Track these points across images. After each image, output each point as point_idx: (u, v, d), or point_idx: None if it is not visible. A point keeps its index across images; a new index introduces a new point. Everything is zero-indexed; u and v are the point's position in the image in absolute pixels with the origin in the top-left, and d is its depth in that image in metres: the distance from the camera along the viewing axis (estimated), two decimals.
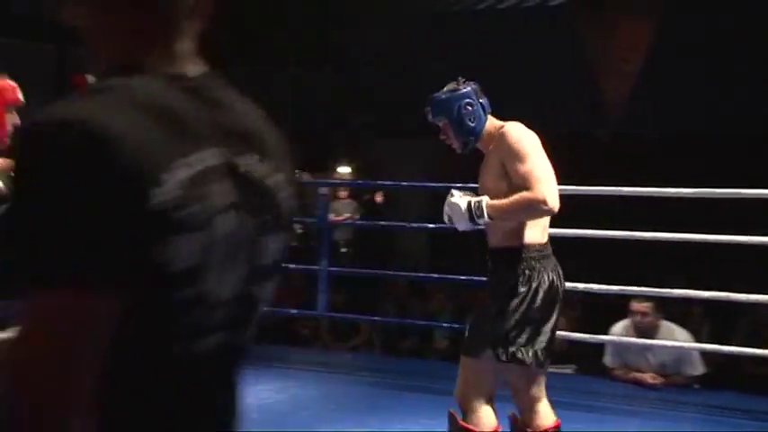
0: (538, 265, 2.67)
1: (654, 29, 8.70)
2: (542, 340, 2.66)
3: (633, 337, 4.60)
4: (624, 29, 8.92)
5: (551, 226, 2.80)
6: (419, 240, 8.95)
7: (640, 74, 8.97)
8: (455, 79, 2.84)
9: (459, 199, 2.71)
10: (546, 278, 2.66)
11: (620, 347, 4.66)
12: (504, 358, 2.62)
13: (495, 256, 2.76)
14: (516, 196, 2.59)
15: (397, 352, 6.03)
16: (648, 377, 4.56)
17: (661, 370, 4.59)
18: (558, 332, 2.81)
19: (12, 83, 2.50)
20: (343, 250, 8.69)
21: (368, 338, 6.19)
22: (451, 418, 2.73)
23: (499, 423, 2.72)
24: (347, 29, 10.83)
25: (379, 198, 9.59)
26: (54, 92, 7.65)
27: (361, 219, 8.31)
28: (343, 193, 9.33)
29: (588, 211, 7.54)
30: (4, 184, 2.42)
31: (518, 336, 2.63)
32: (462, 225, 2.72)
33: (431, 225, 4.69)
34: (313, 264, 5.37)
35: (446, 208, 2.75)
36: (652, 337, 4.58)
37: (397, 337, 6.25)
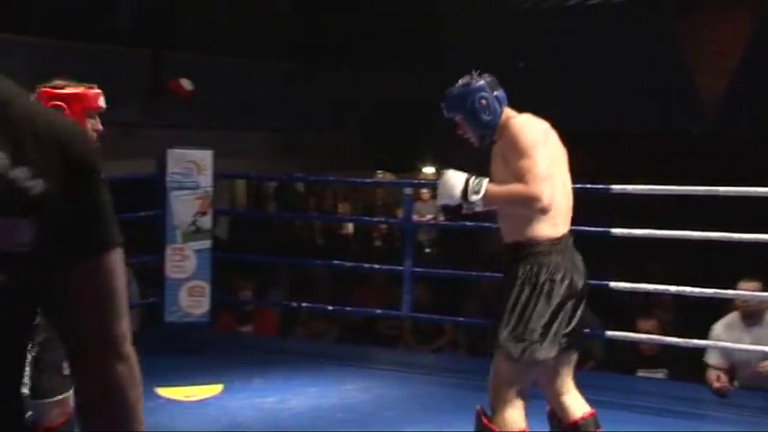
0: (546, 260, 2.63)
1: (751, 23, 8.39)
2: (553, 335, 2.63)
3: (739, 327, 4.37)
4: (721, 23, 8.62)
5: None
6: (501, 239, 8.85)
7: (736, 70, 8.66)
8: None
9: (457, 173, 2.70)
10: (557, 273, 2.64)
11: (723, 347, 4.45)
12: (516, 355, 2.62)
13: (506, 251, 2.76)
14: (512, 186, 2.60)
15: (482, 353, 5.97)
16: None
17: None
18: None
19: (96, 90, 2.56)
20: (428, 250, 8.70)
21: (452, 339, 6.16)
22: (477, 415, 2.71)
23: (529, 424, 2.69)
24: (436, 28, 10.83)
25: None
26: (150, 96, 7.92)
27: (445, 219, 8.29)
28: (426, 195, 9.33)
29: (680, 210, 7.32)
30: None
31: (526, 332, 2.62)
32: (445, 199, 2.72)
33: None
34: (397, 264, 5.39)
35: (440, 185, 2.76)
36: (759, 323, 4.35)
37: (481, 337, 6.21)
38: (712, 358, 4.42)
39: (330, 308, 5.91)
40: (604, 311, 5.39)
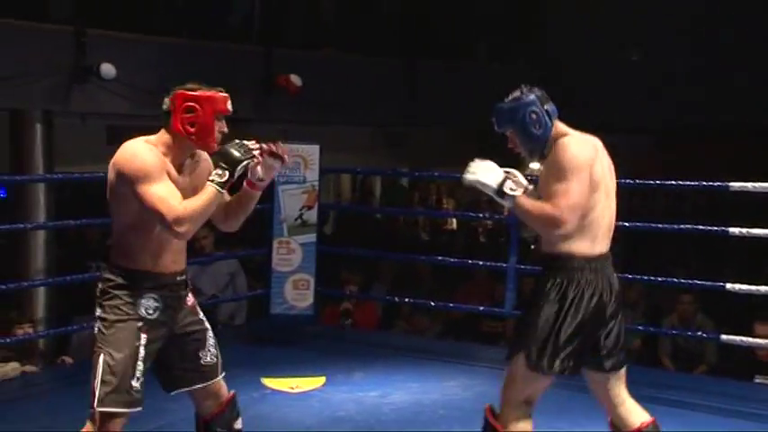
0: (578, 276, 2.65)
1: None
2: (572, 350, 2.66)
3: None
4: None
5: None
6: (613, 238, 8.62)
7: None
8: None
9: (499, 168, 2.71)
10: (586, 291, 2.65)
11: None
12: (534, 363, 2.66)
13: (542, 259, 2.77)
14: (541, 205, 2.63)
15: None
16: None
17: None
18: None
19: (224, 93, 2.64)
20: (533, 247, 8.56)
21: None
22: (486, 412, 2.77)
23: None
24: (541, 23, 10.66)
25: None
26: (262, 91, 8.12)
27: None
28: (531, 190, 9.17)
29: None
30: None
31: (548, 343, 2.65)
32: (481, 176, 2.69)
33: (626, 224, 4.47)
34: (502, 261, 5.32)
35: (475, 165, 2.74)
36: None
37: None
38: None
39: (432, 304, 5.90)
40: (720, 314, 5.16)
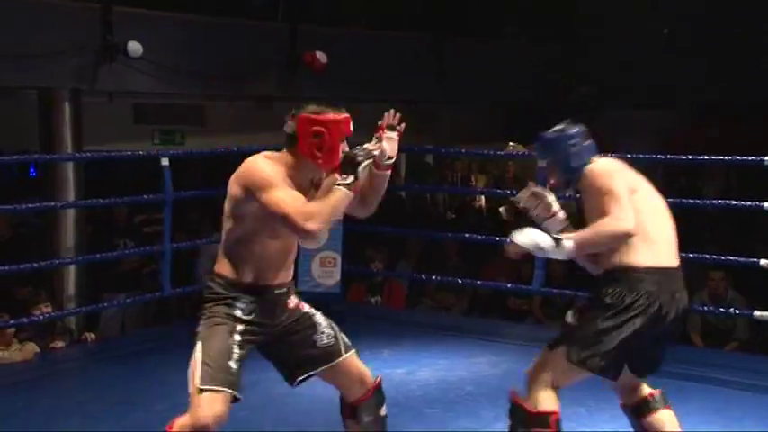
0: (638, 286, 2.68)
1: None
2: (618, 356, 2.70)
3: None
4: None
5: None
6: None
7: None
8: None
9: (535, 232, 2.77)
10: (646, 300, 2.67)
11: None
12: (576, 358, 2.71)
13: (602, 276, 2.80)
14: (594, 225, 2.70)
15: None
16: None
17: None
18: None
19: (346, 114, 2.65)
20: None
21: None
22: (512, 396, 2.83)
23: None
24: (571, 1, 10.51)
25: None
26: (287, 68, 8.09)
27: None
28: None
29: None
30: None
31: (597, 343, 2.68)
32: (533, 240, 2.74)
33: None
34: None
35: (519, 236, 2.78)
36: None
37: None
38: None
39: (459, 281, 5.87)
40: (752, 290, 5.09)
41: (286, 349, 2.73)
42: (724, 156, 4.58)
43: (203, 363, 2.54)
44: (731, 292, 5.30)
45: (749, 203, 4.33)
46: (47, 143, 6.55)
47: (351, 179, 2.58)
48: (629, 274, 2.69)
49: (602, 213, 2.69)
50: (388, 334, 5.05)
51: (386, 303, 6.10)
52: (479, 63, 9.53)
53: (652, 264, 2.70)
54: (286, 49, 7.97)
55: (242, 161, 2.63)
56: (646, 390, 2.89)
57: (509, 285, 5.81)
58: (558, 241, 2.71)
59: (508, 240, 2.81)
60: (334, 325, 2.83)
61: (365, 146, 2.66)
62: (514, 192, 9.33)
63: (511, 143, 11.02)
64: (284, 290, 2.71)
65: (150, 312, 6.46)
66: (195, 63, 7.31)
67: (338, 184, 2.57)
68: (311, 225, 2.49)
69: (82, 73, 6.61)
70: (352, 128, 2.65)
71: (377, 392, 2.82)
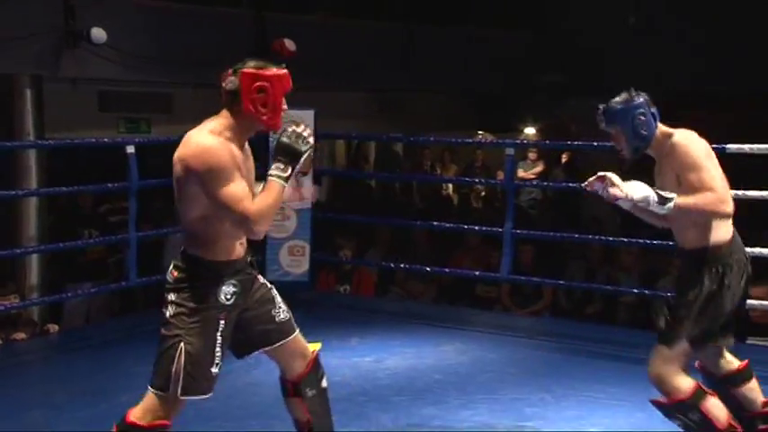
0: (730, 261, 2.87)
1: None
2: (730, 324, 2.90)
3: None
4: None
5: None
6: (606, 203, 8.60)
7: None
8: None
9: (641, 184, 2.84)
10: (737, 271, 2.87)
11: None
12: (694, 344, 2.86)
13: (687, 256, 2.96)
14: (700, 196, 2.78)
15: (585, 317, 5.86)
16: None
17: None
18: None
19: (285, 70, 2.58)
20: (532, 212, 8.56)
21: (551, 303, 6.05)
22: (659, 406, 2.95)
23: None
24: None
25: (564, 159, 9.33)
26: (255, 56, 8.02)
27: (549, 181, 8.11)
28: (533, 155, 9.17)
29: None
30: None
31: (711, 322, 2.86)
32: (640, 192, 2.81)
33: None
34: (498, 226, 5.30)
35: (628, 186, 2.84)
36: None
37: (582, 302, 6.08)
38: None
39: (428, 269, 5.89)
40: None
41: (252, 322, 2.66)
42: None
43: (185, 371, 2.48)
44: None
45: None
46: (7, 131, 6.43)
47: (288, 171, 2.51)
48: (718, 252, 2.86)
49: (695, 188, 2.78)
50: (356, 322, 5.05)
51: (355, 292, 6.09)
52: (448, 51, 9.53)
53: (729, 236, 2.89)
54: (253, 37, 7.89)
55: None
56: (736, 361, 3.04)
57: (477, 273, 5.83)
58: (663, 198, 2.78)
59: (617, 191, 2.83)
60: (282, 300, 2.76)
61: (296, 129, 2.54)
62: (482, 180, 9.43)
63: (480, 132, 11.05)
64: (250, 258, 2.66)
65: (116, 303, 6.40)
66: (161, 50, 7.22)
67: (273, 175, 2.49)
68: (258, 227, 2.45)
69: (44, 59, 6.49)
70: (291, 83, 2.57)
71: (316, 365, 2.79)
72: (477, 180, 8.65)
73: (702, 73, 9.44)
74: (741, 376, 3.03)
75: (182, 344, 2.49)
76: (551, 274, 5.69)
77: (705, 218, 2.85)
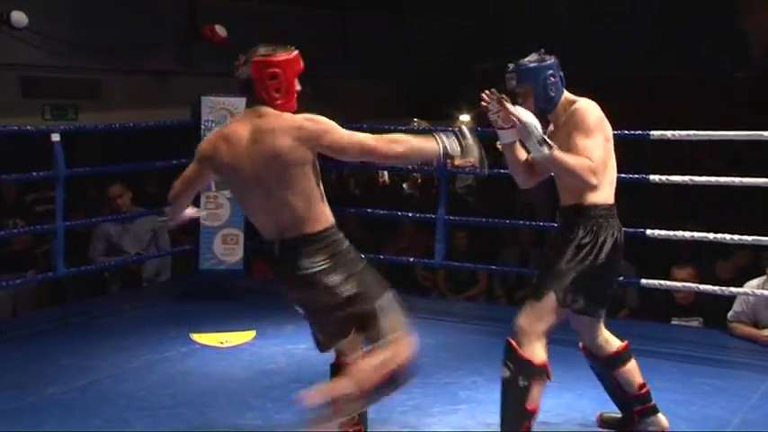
0: (605, 223, 2.91)
1: None
2: (598, 289, 2.94)
3: None
4: None
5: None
6: (540, 189, 8.76)
7: None
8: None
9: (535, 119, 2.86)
10: (610, 235, 2.90)
11: (752, 304, 4.40)
12: (563, 302, 2.89)
13: (566, 212, 2.98)
14: (577, 158, 2.81)
15: (517, 301, 5.96)
16: (764, 333, 4.29)
17: None
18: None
19: (296, 51, 2.65)
20: (469, 199, 8.64)
21: (486, 288, 6.14)
22: (509, 346, 2.95)
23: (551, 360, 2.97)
24: None
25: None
26: (186, 42, 7.88)
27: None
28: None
29: (727, 158, 7.10)
30: None
31: (576, 284, 2.88)
32: (532, 121, 2.84)
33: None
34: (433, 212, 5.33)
35: (523, 111, 2.88)
36: None
37: (517, 286, 6.18)
38: (732, 313, 4.46)
39: (363, 256, 5.88)
40: (640, 260, 5.31)
41: None
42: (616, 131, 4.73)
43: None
44: (622, 262, 5.51)
45: (636, 176, 4.50)
46: None
47: (446, 145, 2.64)
48: (595, 211, 2.89)
49: (578, 152, 2.82)
50: (291, 310, 5.01)
51: None
52: (384, 38, 9.53)
53: (610, 200, 2.93)
54: (185, 23, 7.76)
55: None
56: (616, 343, 3.08)
57: (411, 260, 5.86)
58: (544, 141, 2.81)
59: (506, 109, 2.87)
60: None
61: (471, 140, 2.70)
62: (416, 168, 9.40)
63: (415, 119, 11.11)
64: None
65: (43, 294, 6.23)
66: (88, 35, 7.03)
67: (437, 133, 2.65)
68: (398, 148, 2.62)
69: None
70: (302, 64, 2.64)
71: None
72: (410, 168, 8.66)
73: (635, 59, 9.64)
74: (620, 358, 3.06)
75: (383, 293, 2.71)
76: (486, 259, 5.77)
77: (573, 181, 2.86)
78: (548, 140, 2.81)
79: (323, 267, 2.63)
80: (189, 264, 5.64)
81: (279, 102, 2.56)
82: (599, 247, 2.88)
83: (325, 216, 2.66)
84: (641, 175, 4.50)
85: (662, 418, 3.12)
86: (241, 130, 2.61)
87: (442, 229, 5.15)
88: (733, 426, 3.33)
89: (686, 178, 4.44)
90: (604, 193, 2.92)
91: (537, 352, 2.89)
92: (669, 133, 4.45)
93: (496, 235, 6.71)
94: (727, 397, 3.62)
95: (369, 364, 2.63)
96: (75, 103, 7.87)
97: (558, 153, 2.81)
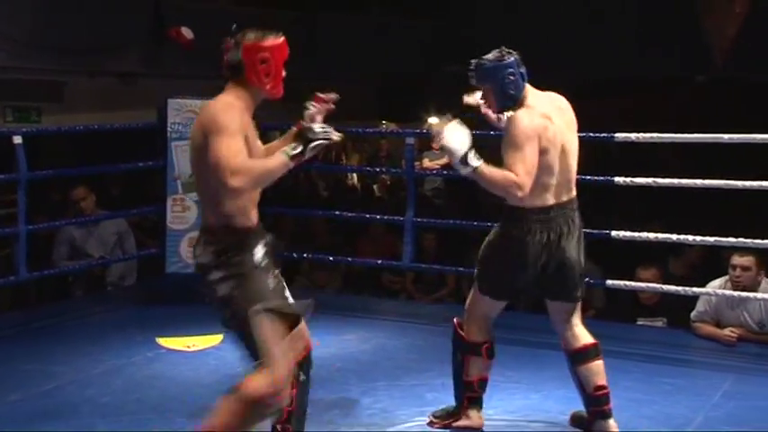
0: (528, 225, 2.99)
1: None
2: (511, 283, 3.12)
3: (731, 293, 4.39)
4: None
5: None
6: None
7: (748, 14, 8.48)
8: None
9: (465, 136, 2.88)
10: (535, 235, 2.99)
11: (715, 303, 4.47)
12: (484, 291, 3.15)
13: (503, 213, 3.11)
14: (501, 173, 2.86)
15: None
16: (726, 333, 4.35)
17: (759, 330, 4.38)
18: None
19: (283, 37, 2.67)
20: (438, 201, 8.66)
21: (454, 289, 6.15)
22: (455, 326, 3.27)
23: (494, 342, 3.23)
24: None
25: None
26: (152, 44, 7.80)
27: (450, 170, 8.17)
28: (436, 144, 9.22)
29: (689, 159, 7.21)
30: None
31: (496, 276, 3.11)
32: (451, 141, 2.88)
33: None
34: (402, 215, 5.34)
35: (449, 130, 2.91)
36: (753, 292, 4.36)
37: None
38: (695, 313, 4.51)
39: (330, 259, 5.89)
40: (605, 261, 5.36)
41: None
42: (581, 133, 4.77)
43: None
44: (588, 264, 5.55)
45: (600, 178, 4.55)
46: None
47: (298, 150, 2.53)
48: (522, 215, 2.99)
49: (508, 163, 2.87)
50: None
51: None
52: (351, 39, 9.53)
53: (541, 204, 2.97)
54: (151, 24, 7.69)
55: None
56: (585, 339, 3.14)
57: (379, 262, 5.86)
58: (466, 159, 2.84)
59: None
60: None
61: (326, 128, 2.63)
62: (387, 169, 9.42)
63: (384, 121, 11.11)
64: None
65: (5, 298, 6.13)
66: (52, 36, 6.94)
67: (283, 151, 2.54)
68: (234, 181, 2.43)
69: None
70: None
71: (310, 352, 3.09)
72: (378, 170, 8.70)
73: (606, 62, 9.71)
74: (583, 355, 3.10)
75: (259, 316, 2.57)
76: (454, 261, 5.79)
77: (499, 194, 2.95)
78: (472, 157, 2.85)
79: (205, 261, 2.61)
80: (155, 267, 5.58)
81: (268, 86, 2.60)
82: (515, 243, 3.00)
83: (230, 213, 2.57)
84: (606, 178, 4.55)
85: (612, 424, 3.10)
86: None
87: (410, 231, 5.17)
88: (695, 424, 3.37)
89: (650, 180, 4.49)
90: (537, 200, 2.96)
91: (472, 331, 3.16)
92: (633, 136, 4.50)
93: (465, 236, 6.73)
94: (690, 396, 3.67)
95: (224, 407, 2.64)
96: (39, 106, 7.77)
97: (481, 169, 2.86)
